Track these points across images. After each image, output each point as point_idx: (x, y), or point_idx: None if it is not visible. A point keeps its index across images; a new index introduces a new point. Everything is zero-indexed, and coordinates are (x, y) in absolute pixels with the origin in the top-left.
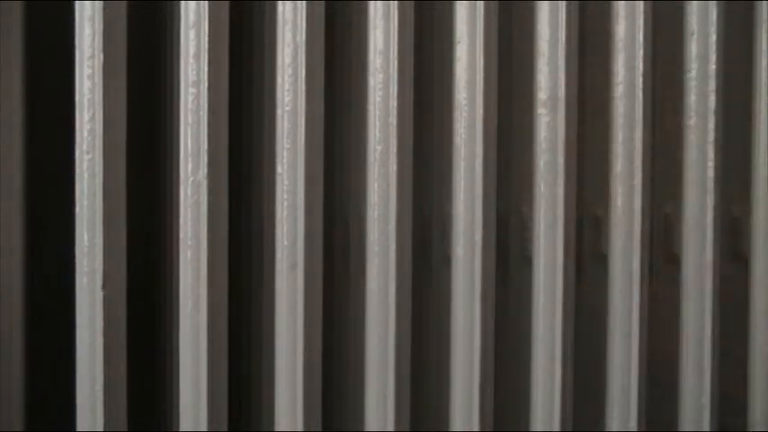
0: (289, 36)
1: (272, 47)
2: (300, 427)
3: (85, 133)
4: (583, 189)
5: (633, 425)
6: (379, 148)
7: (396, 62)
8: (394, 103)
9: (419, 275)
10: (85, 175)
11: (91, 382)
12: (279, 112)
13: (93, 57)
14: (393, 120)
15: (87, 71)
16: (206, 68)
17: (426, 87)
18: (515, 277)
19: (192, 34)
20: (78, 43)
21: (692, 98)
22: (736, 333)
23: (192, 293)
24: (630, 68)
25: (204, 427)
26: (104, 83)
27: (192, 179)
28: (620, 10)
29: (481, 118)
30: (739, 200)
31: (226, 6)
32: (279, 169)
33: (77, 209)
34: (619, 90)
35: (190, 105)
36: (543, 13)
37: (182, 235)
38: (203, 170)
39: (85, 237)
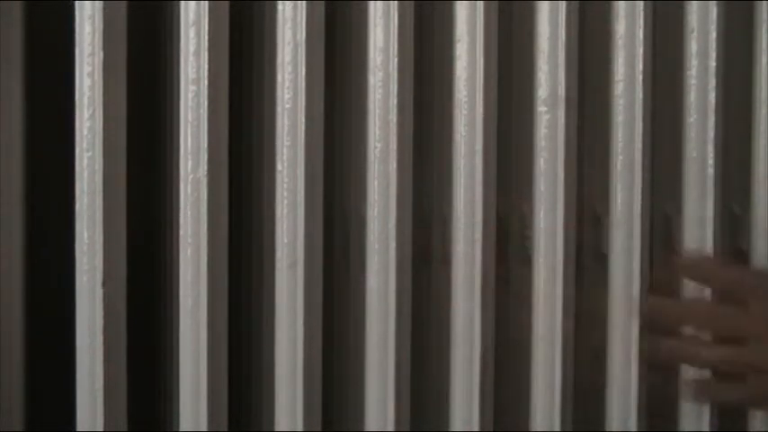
0: (289, 34)
1: (272, 45)
2: (300, 427)
3: (85, 131)
4: (583, 188)
5: (633, 425)
6: (378, 146)
7: (396, 60)
8: (394, 101)
9: (419, 275)
10: (85, 173)
11: (91, 381)
12: (279, 110)
13: (93, 55)
14: (393, 118)
15: (87, 69)
16: (206, 66)
17: (426, 85)
18: (515, 277)
19: (192, 32)
20: (78, 42)
21: (691, 96)
22: None
23: (192, 291)
24: (630, 66)
25: (204, 427)
26: (104, 81)
27: (192, 177)
28: (621, 8)
29: (481, 116)
30: (739, 198)
31: (226, 5)
32: (279, 167)
33: (77, 207)
34: (619, 88)
35: (190, 103)
36: (543, 12)
37: (181, 233)
38: (203, 168)
39: (85, 234)
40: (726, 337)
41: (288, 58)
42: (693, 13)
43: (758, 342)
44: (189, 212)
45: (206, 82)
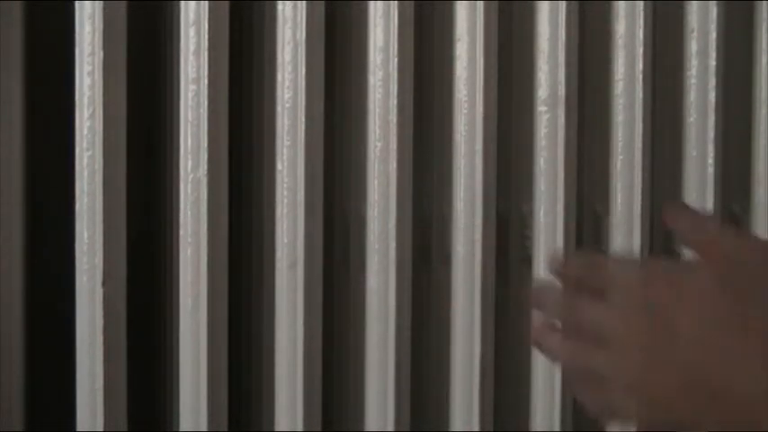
0: (289, 34)
1: (271, 45)
2: (300, 427)
3: (85, 131)
4: (583, 188)
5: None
6: (378, 145)
7: (396, 60)
8: (394, 101)
9: (419, 275)
10: (85, 173)
11: (91, 381)
12: (279, 109)
13: (93, 54)
14: (393, 118)
15: (87, 69)
16: (206, 66)
17: (426, 85)
18: (515, 277)
19: (192, 32)
20: (78, 41)
21: (691, 96)
22: None
23: (192, 291)
24: (630, 66)
25: (204, 427)
26: (104, 80)
27: (191, 177)
28: (621, 8)
29: (481, 116)
30: (739, 198)
31: (226, 4)
32: (279, 167)
33: (77, 206)
34: (619, 88)
35: (190, 103)
36: (543, 11)
37: (181, 232)
38: (203, 168)
39: (85, 234)
40: (585, 332)
41: (288, 57)
42: (693, 13)
43: (618, 345)
44: (189, 212)
45: (206, 82)
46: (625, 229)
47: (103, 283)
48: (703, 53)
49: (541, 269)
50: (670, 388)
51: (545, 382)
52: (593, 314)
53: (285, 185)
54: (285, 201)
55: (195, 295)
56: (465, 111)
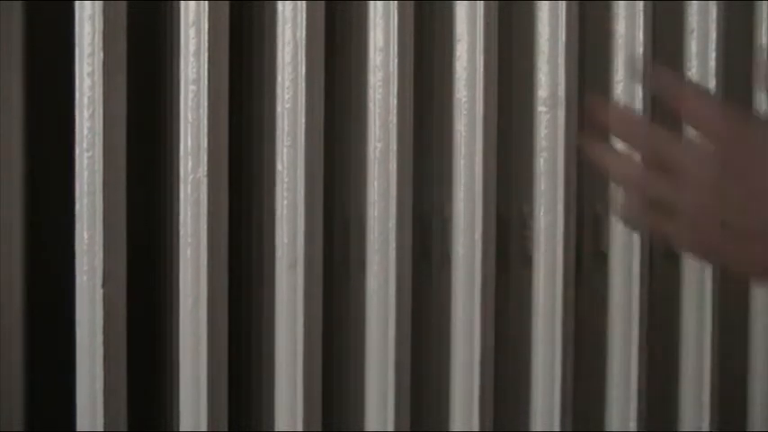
0: (289, 34)
1: (272, 45)
2: (300, 427)
3: (85, 131)
4: (583, 188)
5: (633, 425)
6: (379, 146)
7: (396, 60)
8: (394, 101)
9: (419, 275)
10: (85, 173)
11: (91, 381)
12: (279, 110)
13: (93, 55)
14: (393, 118)
15: (87, 69)
16: (206, 66)
17: (426, 86)
18: (515, 277)
19: (191, 32)
20: (78, 41)
21: None
22: (736, 332)
23: (192, 292)
24: (631, 66)
25: (204, 427)
26: (104, 81)
27: (192, 177)
28: (621, 9)
29: (481, 116)
30: None
31: (226, 5)
32: (279, 167)
33: (77, 207)
34: (619, 88)
35: (190, 103)
36: (543, 12)
37: (181, 233)
38: (203, 168)
39: (85, 235)
40: (664, 166)
41: (288, 57)
42: (693, 14)
43: (696, 182)
44: (189, 212)
45: (206, 82)
46: (625, 229)
47: (103, 284)
48: (703, 53)
49: (541, 269)
50: (740, 230)
51: (545, 382)
52: (671, 149)
53: (285, 186)
54: (285, 201)
55: (195, 295)
56: (465, 111)
